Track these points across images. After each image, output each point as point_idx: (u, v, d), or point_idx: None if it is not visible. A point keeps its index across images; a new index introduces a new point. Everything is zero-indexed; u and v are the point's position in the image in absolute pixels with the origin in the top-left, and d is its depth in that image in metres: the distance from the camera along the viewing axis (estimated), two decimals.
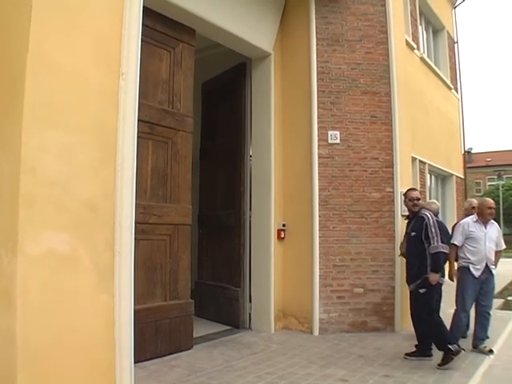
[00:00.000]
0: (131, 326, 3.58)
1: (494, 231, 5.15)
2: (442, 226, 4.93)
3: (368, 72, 6.25)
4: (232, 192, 6.36)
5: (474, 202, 5.88)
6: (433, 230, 4.67)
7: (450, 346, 4.49)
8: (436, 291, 4.78)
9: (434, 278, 4.64)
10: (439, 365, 4.49)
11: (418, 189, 9.10)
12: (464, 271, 5.07)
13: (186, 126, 5.08)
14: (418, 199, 4.99)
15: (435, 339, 4.69)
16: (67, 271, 3.16)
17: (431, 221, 4.72)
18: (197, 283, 6.55)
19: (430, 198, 10.46)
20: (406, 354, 4.82)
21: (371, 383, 4.03)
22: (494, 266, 5.07)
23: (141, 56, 3.83)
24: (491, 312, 5.17)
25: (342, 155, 6.09)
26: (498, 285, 8.78)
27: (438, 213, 5.94)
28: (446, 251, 4.69)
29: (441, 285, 4.85)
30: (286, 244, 6.19)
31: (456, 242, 5.18)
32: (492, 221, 5.17)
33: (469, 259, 5.03)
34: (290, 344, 5.35)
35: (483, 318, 5.07)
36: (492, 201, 5.33)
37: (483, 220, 5.11)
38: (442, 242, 4.67)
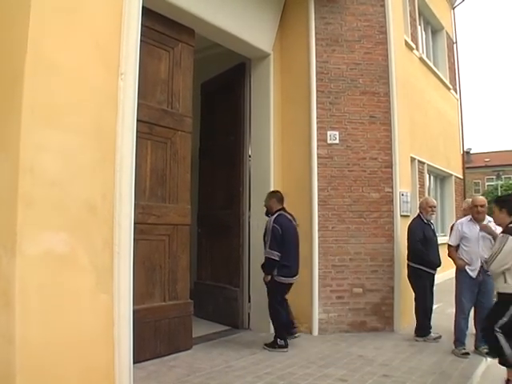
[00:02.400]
0: (130, 327, 3.58)
1: None
2: (288, 234, 5.17)
3: (367, 72, 6.25)
4: (231, 192, 6.36)
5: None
6: (267, 236, 5.15)
7: (278, 340, 5.07)
8: (276, 288, 5.16)
9: (265, 278, 5.22)
10: (265, 344, 5.13)
11: (417, 189, 9.14)
12: (461, 273, 5.05)
13: (185, 126, 5.08)
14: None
15: (274, 326, 5.25)
16: (66, 271, 3.16)
17: (269, 227, 5.16)
18: (196, 283, 6.55)
19: None
20: (265, 345, 5.19)
21: (370, 383, 4.03)
22: None
23: (140, 56, 3.82)
24: None
25: (341, 155, 6.09)
26: None
27: (427, 207, 5.79)
28: (273, 258, 5.07)
29: (283, 284, 5.17)
30: None
31: (450, 242, 5.28)
32: (488, 218, 5.15)
33: (465, 260, 5.03)
34: (289, 344, 5.34)
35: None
36: (480, 198, 5.38)
37: (475, 219, 5.11)
38: (272, 248, 5.07)
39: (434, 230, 5.87)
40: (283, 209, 5.36)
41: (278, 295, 5.19)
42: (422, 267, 5.58)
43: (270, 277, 5.14)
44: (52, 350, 3.04)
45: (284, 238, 5.11)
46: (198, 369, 4.35)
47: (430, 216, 5.75)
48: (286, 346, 5.06)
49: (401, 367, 4.48)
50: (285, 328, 5.23)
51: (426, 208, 5.74)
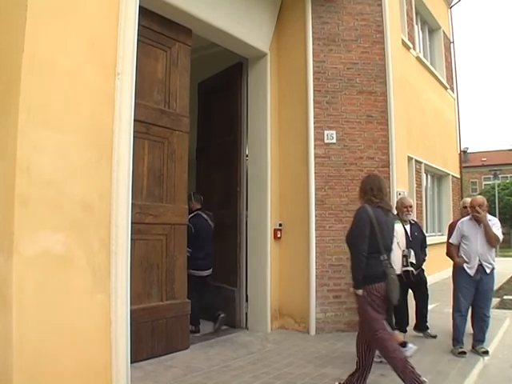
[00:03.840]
0: (127, 326, 3.59)
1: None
2: (202, 231, 5.81)
3: (364, 71, 6.25)
4: (228, 192, 6.36)
5: (468, 201, 5.90)
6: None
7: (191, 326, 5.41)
8: (193, 282, 5.47)
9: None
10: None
11: (414, 188, 9.17)
12: (459, 271, 5.08)
13: (182, 126, 5.08)
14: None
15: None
16: (63, 271, 3.16)
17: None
18: None
19: (426, 198, 10.49)
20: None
21: (367, 382, 4.03)
22: (490, 265, 5.01)
23: (137, 56, 3.82)
24: (489, 314, 5.08)
25: (338, 155, 6.09)
26: (494, 284, 8.79)
27: (402, 207, 5.64)
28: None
29: (195, 277, 5.58)
30: (282, 244, 6.19)
31: (451, 241, 5.29)
32: (490, 217, 5.16)
33: (463, 258, 5.06)
34: (286, 343, 5.35)
35: (480, 320, 5.03)
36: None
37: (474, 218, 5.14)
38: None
39: (411, 230, 5.60)
40: (201, 209, 5.97)
41: (192, 288, 5.40)
42: None
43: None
44: (49, 350, 3.04)
45: (198, 235, 5.69)
46: (195, 368, 4.35)
47: (406, 216, 5.61)
48: (196, 332, 5.58)
49: None
50: (196, 316, 5.53)
51: (401, 208, 5.61)
